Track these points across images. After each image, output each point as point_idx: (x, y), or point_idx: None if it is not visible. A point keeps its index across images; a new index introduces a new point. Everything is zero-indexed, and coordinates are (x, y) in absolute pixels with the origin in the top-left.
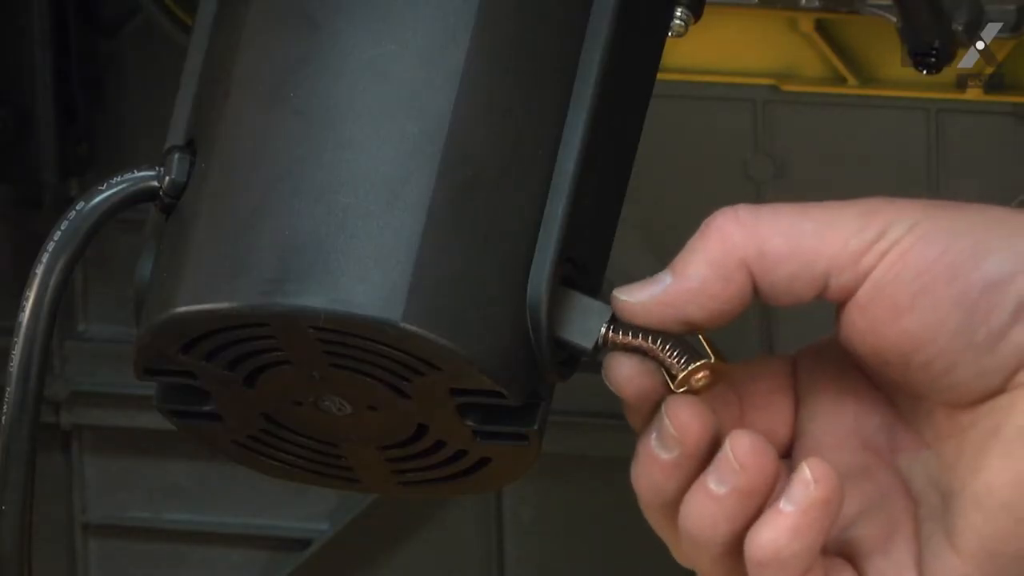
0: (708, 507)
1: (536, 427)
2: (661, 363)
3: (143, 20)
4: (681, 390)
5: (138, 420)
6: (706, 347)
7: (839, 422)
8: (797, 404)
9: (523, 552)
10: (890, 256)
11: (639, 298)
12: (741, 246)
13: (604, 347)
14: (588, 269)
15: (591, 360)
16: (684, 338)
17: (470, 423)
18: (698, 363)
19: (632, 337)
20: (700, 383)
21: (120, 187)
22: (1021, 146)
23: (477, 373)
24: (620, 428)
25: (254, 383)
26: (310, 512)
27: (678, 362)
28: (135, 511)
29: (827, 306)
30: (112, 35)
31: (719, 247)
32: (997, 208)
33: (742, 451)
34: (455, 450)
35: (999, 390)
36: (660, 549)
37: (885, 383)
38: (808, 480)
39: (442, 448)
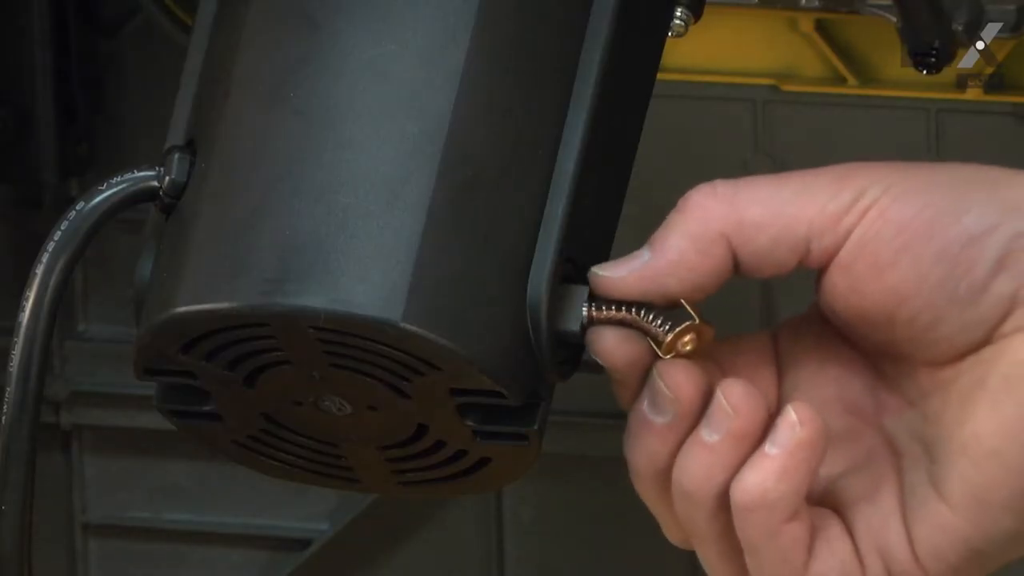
0: (703, 458)
1: (536, 427)
2: (646, 332)
3: (143, 20)
4: (669, 356)
5: (138, 420)
6: (689, 310)
7: (822, 388)
8: (780, 375)
9: (523, 552)
10: (870, 214)
11: (618, 272)
12: (720, 218)
13: (588, 325)
14: (588, 269)
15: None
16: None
17: (470, 423)
18: (683, 325)
19: (615, 311)
20: (687, 347)
21: (120, 187)
22: (1021, 146)
23: (477, 373)
24: (620, 428)
25: (254, 383)
26: (310, 512)
27: (663, 328)
28: (135, 511)
29: None
30: (112, 35)
31: (698, 220)
32: (972, 165)
33: (735, 396)
34: (455, 450)
35: (983, 342)
36: (660, 549)
37: (867, 346)
38: (793, 422)
39: (442, 448)
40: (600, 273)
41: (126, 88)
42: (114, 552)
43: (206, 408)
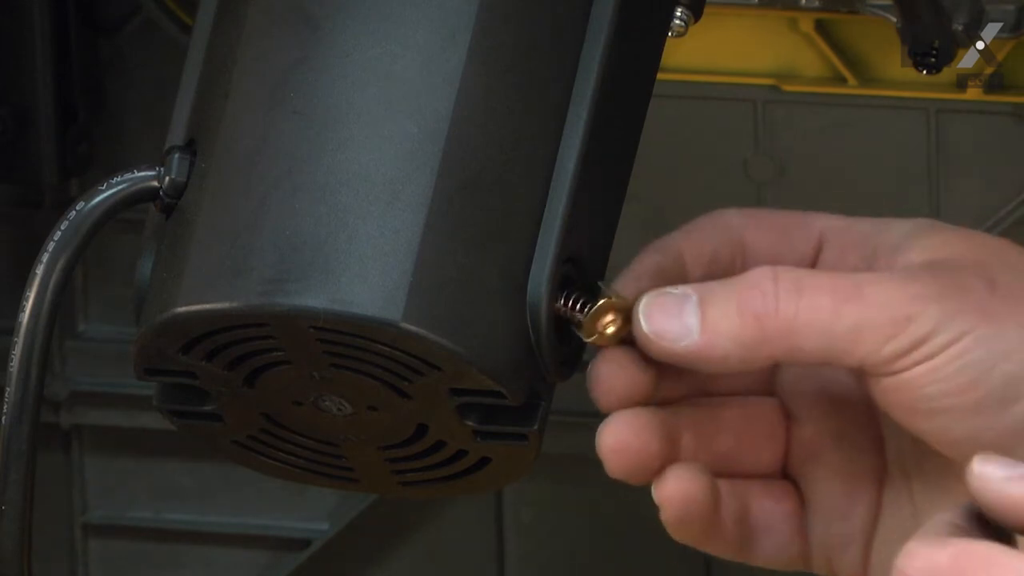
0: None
1: (536, 427)
2: (573, 321)
3: (143, 20)
4: (591, 338)
5: (138, 420)
6: (605, 290)
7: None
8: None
9: (523, 552)
10: (921, 368)
11: (665, 338)
12: (774, 341)
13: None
14: (588, 269)
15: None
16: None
17: (470, 423)
18: (598, 305)
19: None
20: (609, 328)
21: (120, 187)
22: (1021, 146)
23: (477, 373)
24: None
25: (254, 383)
26: (310, 512)
27: (583, 312)
28: (135, 511)
29: None
30: (112, 35)
31: (753, 333)
32: None
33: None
34: (455, 450)
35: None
36: (660, 549)
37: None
38: (658, 500)
39: (442, 448)
40: (646, 329)
41: (126, 88)
42: (114, 552)
43: (206, 408)
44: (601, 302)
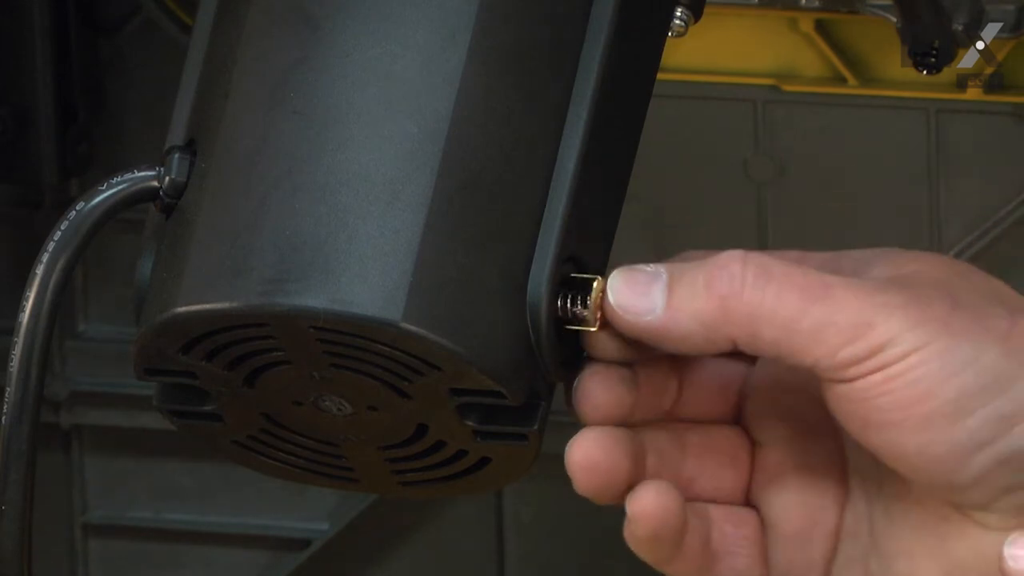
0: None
1: (536, 427)
2: (575, 318)
3: (143, 20)
4: (597, 326)
5: (138, 420)
6: (600, 279)
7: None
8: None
9: (523, 552)
10: (875, 378)
11: (629, 312)
12: (736, 324)
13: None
14: (588, 268)
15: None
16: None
17: (470, 423)
18: (594, 289)
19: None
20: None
21: (120, 187)
22: (1021, 146)
23: (477, 373)
24: None
25: (254, 383)
26: (310, 512)
27: (584, 305)
28: (135, 511)
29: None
30: (112, 35)
31: (716, 314)
32: (1020, 327)
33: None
34: (455, 450)
35: (953, 508)
36: None
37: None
38: (629, 517)
39: (442, 448)
40: (613, 301)
41: (126, 88)
42: (114, 552)
43: (206, 408)
44: (596, 284)
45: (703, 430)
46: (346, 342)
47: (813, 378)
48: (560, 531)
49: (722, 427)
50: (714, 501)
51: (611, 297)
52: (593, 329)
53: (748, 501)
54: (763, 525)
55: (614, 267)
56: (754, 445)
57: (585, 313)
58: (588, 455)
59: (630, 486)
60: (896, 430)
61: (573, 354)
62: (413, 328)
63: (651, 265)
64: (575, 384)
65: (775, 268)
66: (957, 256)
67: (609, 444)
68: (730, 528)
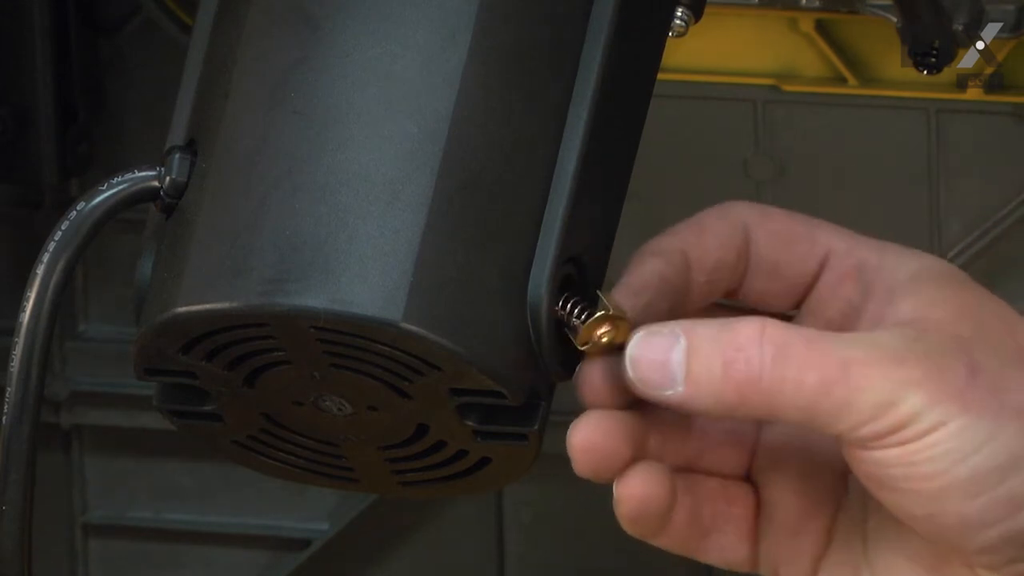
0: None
1: (536, 427)
2: (569, 326)
3: (143, 20)
4: (585, 346)
5: (138, 420)
6: (604, 301)
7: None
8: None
9: (523, 552)
10: (894, 452)
11: (650, 389)
12: (755, 407)
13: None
14: (589, 269)
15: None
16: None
17: (470, 423)
18: (595, 317)
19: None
20: (603, 338)
21: (120, 187)
22: (1021, 146)
23: (477, 373)
24: None
25: (254, 383)
26: (310, 512)
27: (579, 320)
28: (135, 511)
29: None
30: (112, 35)
31: (734, 398)
32: None
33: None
34: (455, 450)
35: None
36: (660, 549)
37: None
38: (616, 499)
39: (442, 448)
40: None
41: (126, 88)
42: (114, 552)
43: (206, 408)
44: (599, 314)
45: None
46: (346, 342)
47: None
48: (560, 531)
49: None
50: (715, 474)
51: (630, 371)
52: (580, 347)
53: (749, 478)
54: (759, 506)
55: (614, 267)
56: (762, 424)
57: (576, 323)
58: (589, 438)
59: (620, 467)
60: (908, 497)
61: (573, 354)
62: (413, 328)
63: (667, 326)
64: (578, 369)
65: (792, 348)
66: (957, 256)
67: (610, 427)
68: (723, 505)
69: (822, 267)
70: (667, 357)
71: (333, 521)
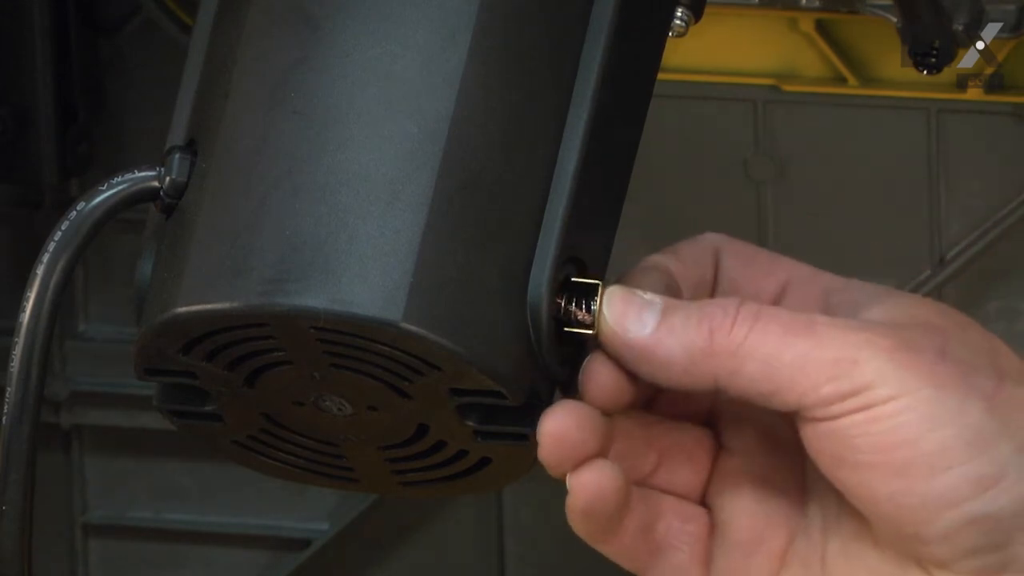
0: None
1: (536, 427)
2: (575, 320)
3: (143, 20)
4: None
5: (138, 420)
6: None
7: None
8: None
9: (523, 552)
10: (857, 417)
11: (619, 328)
12: (719, 357)
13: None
14: (588, 269)
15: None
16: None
17: (470, 423)
18: (601, 292)
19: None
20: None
21: (120, 187)
22: (1021, 146)
23: (477, 373)
24: None
25: (254, 383)
26: (310, 512)
27: (584, 309)
28: (135, 511)
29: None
30: (112, 35)
31: (703, 344)
32: (1005, 392)
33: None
34: (455, 450)
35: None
36: None
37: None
38: (569, 488)
39: (442, 448)
40: (606, 311)
41: (126, 88)
42: (114, 552)
43: (206, 408)
44: (601, 290)
45: (673, 426)
46: (346, 342)
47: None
48: (560, 531)
49: (692, 426)
50: (670, 493)
51: (605, 307)
52: (592, 332)
53: (704, 502)
54: (713, 527)
55: (614, 267)
56: (720, 448)
57: (588, 318)
58: (561, 426)
59: (583, 461)
60: (870, 473)
61: (573, 354)
62: (413, 328)
63: (648, 294)
64: (583, 365)
65: (764, 310)
66: (957, 256)
67: (583, 420)
68: (677, 522)
69: (783, 290)
70: (644, 306)
71: (333, 521)
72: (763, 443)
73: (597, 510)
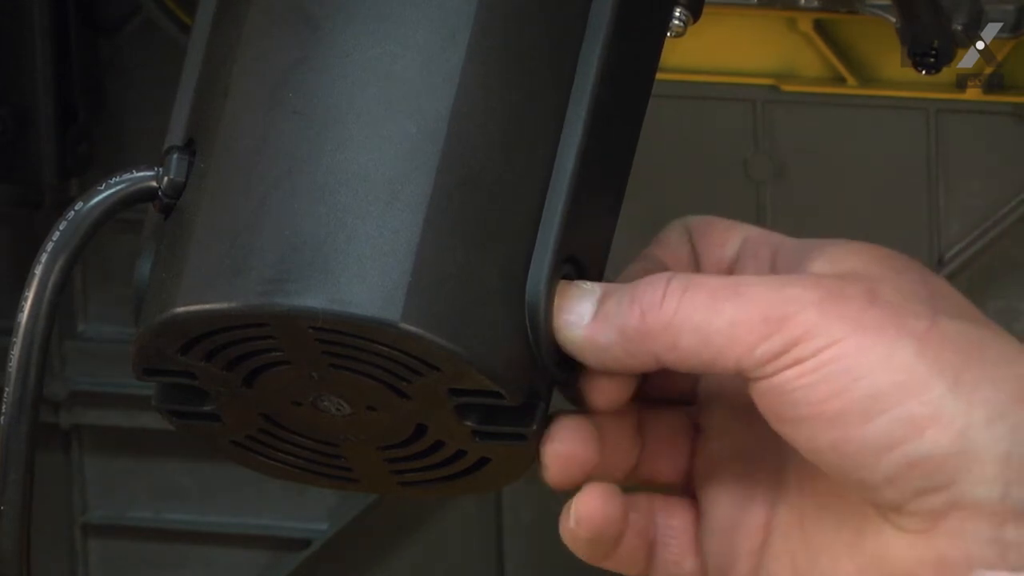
0: None
1: (535, 427)
2: None
3: (143, 20)
4: None
5: (138, 420)
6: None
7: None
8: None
9: (523, 552)
10: (790, 372)
11: (560, 323)
12: (655, 335)
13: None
14: (587, 268)
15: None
16: None
17: (469, 423)
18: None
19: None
20: None
21: (119, 187)
22: (1021, 146)
23: (476, 373)
24: None
25: (253, 383)
26: (310, 512)
27: None
28: (135, 511)
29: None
30: (112, 35)
31: (637, 326)
32: (938, 330)
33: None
34: (454, 450)
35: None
36: None
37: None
38: (568, 519)
39: (441, 448)
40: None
41: (126, 88)
42: (114, 552)
43: (205, 408)
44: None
45: (653, 414)
46: (345, 342)
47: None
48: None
49: (672, 411)
50: (653, 486)
51: (556, 315)
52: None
53: (688, 486)
54: (698, 514)
55: (614, 267)
56: (699, 432)
57: None
58: (568, 448)
59: (589, 475)
60: (809, 425)
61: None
62: (412, 328)
63: (588, 283)
64: (583, 375)
65: (692, 280)
66: (957, 256)
67: (586, 436)
68: (663, 517)
69: (738, 256)
70: (582, 297)
71: (333, 521)
72: (739, 420)
73: (604, 536)
